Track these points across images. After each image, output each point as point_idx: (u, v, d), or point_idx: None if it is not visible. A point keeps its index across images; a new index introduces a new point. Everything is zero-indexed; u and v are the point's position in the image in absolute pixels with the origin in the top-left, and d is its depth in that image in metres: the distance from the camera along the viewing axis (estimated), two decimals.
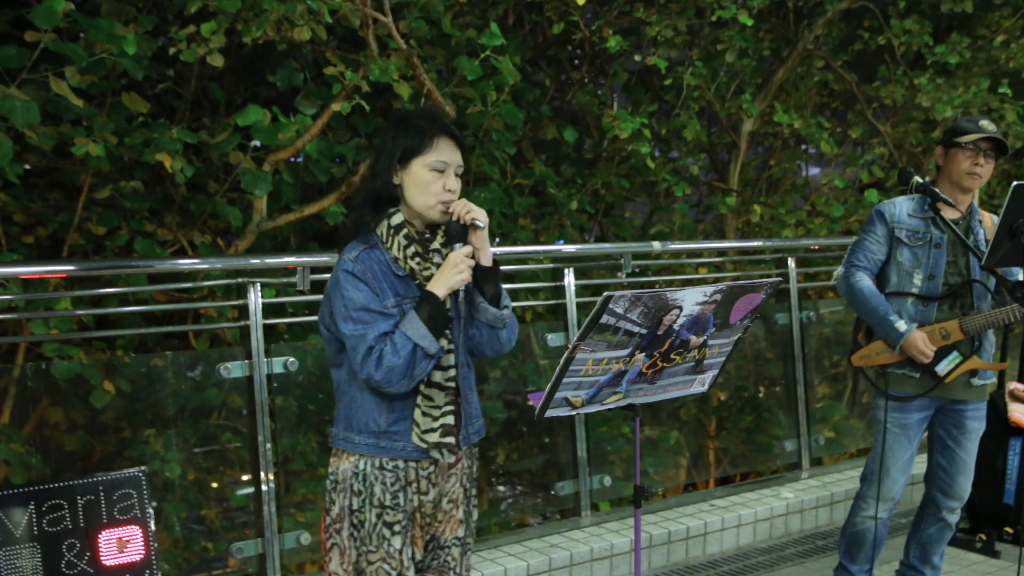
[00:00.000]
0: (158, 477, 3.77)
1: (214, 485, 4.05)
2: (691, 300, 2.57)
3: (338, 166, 4.97)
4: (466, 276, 2.36)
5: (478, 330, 2.49)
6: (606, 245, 5.48)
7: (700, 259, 6.48)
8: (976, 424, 3.71)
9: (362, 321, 2.31)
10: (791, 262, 5.50)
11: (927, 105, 6.32)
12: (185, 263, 4.03)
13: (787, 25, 6.69)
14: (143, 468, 3.29)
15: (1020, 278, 3.66)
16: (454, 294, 2.38)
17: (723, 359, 2.91)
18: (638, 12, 5.81)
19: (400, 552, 2.39)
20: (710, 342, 2.78)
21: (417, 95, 4.73)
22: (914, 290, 3.61)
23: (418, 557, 2.46)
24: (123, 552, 3.19)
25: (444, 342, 2.37)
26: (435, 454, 2.39)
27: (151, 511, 3.27)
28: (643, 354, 2.64)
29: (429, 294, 2.33)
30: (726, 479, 5.82)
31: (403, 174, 2.39)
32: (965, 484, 3.74)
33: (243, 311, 3.81)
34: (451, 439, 2.39)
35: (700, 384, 2.95)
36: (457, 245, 2.37)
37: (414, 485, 2.42)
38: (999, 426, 4.67)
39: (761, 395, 5.78)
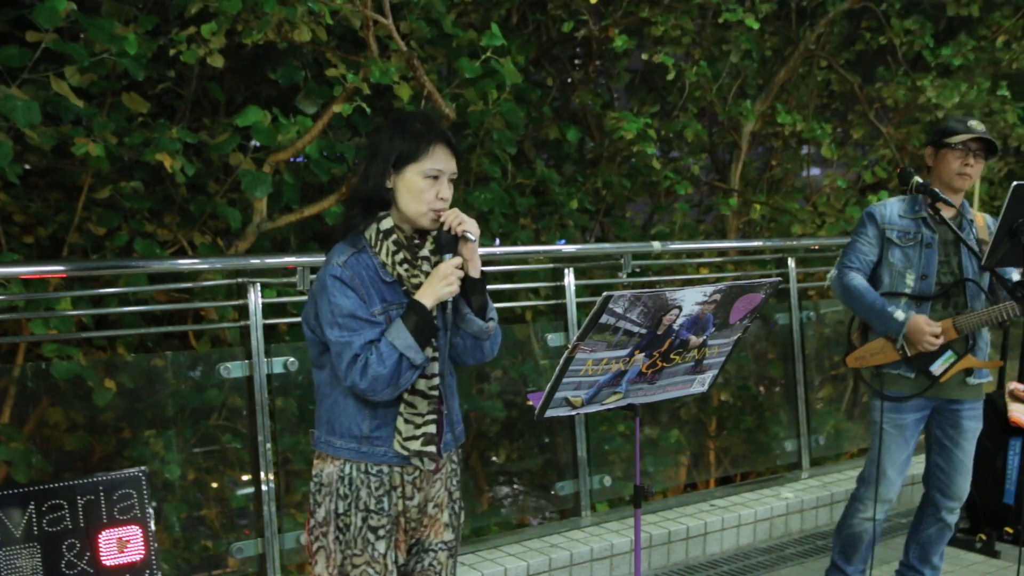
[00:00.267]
0: (158, 477, 3.77)
1: (214, 485, 4.05)
2: (691, 300, 2.57)
3: (338, 165, 4.97)
4: (454, 288, 2.35)
5: (461, 339, 2.49)
6: (606, 245, 5.48)
7: (700, 259, 6.49)
8: (973, 423, 3.71)
9: (348, 328, 2.30)
10: (791, 262, 5.50)
11: (931, 96, 6.30)
12: (185, 263, 4.03)
13: (789, 25, 6.69)
14: (143, 468, 3.29)
15: (1016, 278, 3.67)
16: (441, 304, 2.37)
17: (723, 359, 2.91)
18: (643, 12, 5.81)
19: (384, 556, 2.39)
20: (710, 342, 2.78)
21: (417, 96, 4.73)
22: (907, 290, 3.62)
23: (401, 561, 2.46)
24: (123, 552, 3.19)
25: (429, 351, 2.36)
26: (416, 462, 2.38)
27: (151, 511, 3.27)
28: (643, 354, 2.64)
29: (417, 304, 2.32)
30: (726, 479, 5.82)
31: (396, 179, 2.37)
32: (964, 484, 3.74)
33: (243, 311, 3.81)
34: (432, 448, 2.38)
35: (700, 384, 2.95)
36: (447, 256, 2.35)
37: (399, 490, 2.41)
38: (999, 426, 4.67)
39: (761, 395, 5.78)
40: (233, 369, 3.77)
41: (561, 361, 2.54)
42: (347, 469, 2.39)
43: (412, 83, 4.66)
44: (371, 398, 2.33)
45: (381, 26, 4.43)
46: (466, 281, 2.39)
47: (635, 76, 6.95)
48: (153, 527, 3.25)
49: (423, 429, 2.37)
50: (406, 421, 2.37)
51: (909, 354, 3.60)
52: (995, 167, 7.67)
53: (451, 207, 2.41)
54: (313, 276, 3.81)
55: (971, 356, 3.61)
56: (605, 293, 2.42)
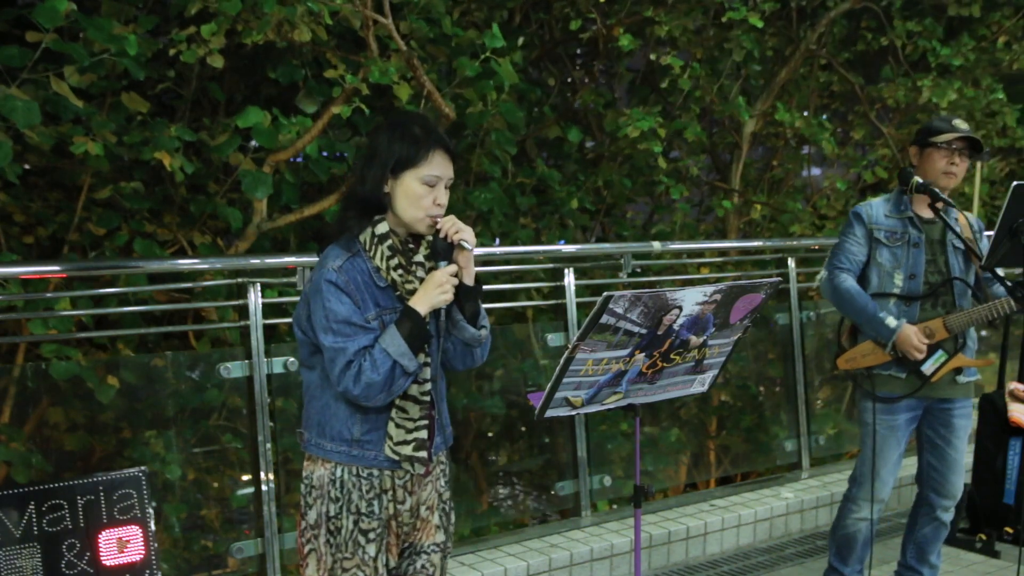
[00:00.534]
0: (158, 477, 3.77)
1: (214, 485, 4.05)
2: (691, 300, 2.57)
3: (338, 165, 4.97)
4: (449, 296, 2.34)
5: (452, 345, 2.49)
6: (606, 245, 5.48)
7: (701, 259, 6.49)
8: (964, 422, 3.72)
9: (342, 334, 2.29)
10: (791, 262, 5.50)
11: (927, 96, 6.30)
12: (185, 263, 4.03)
13: (790, 25, 6.69)
14: (143, 468, 3.29)
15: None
16: (435, 310, 2.36)
17: (723, 359, 2.91)
18: (647, 12, 5.80)
19: (375, 560, 2.39)
20: (710, 342, 2.78)
21: (417, 96, 4.73)
22: (895, 290, 3.62)
23: (392, 564, 2.46)
24: (123, 552, 3.19)
25: (421, 356, 2.36)
26: (406, 466, 2.39)
27: (151, 511, 3.27)
28: (643, 354, 2.64)
29: (411, 310, 2.31)
30: (726, 479, 5.82)
31: (394, 184, 2.36)
32: (958, 482, 3.75)
33: (243, 311, 3.81)
34: (423, 453, 2.38)
35: (700, 384, 2.95)
36: (442, 263, 2.34)
37: (390, 493, 2.41)
38: (999, 426, 4.67)
39: (761, 395, 5.78)
40: (233, 369, 3.77)
41: (561, 361, 2.54)
42: (338, 472, 2.39)
43: (412, 83, 4.66)
44: (364, 404, 2.33)
45: (381, 26, 4.43)
46: (460, 289, 2.39)
47: (636, 76, 6.95)
48: (153, 527, 3.25)
49: (415, 434, 2.37)
50: (397, 426, 2.37)
51: (899, 355, 3.61)
52: (996, 167, 7.68)
53: (449, 209, 2.41)
54: None
55: (961, 355, 3.63)
56: (605, 293, 2.42)
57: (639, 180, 6.36)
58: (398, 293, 2.37)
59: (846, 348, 3.74)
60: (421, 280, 2.37)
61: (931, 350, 3.59)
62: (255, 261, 3.93)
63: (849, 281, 3.65)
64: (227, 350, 4.02)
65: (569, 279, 4.66)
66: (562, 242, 5.89)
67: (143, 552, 3.22)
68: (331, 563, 2.39)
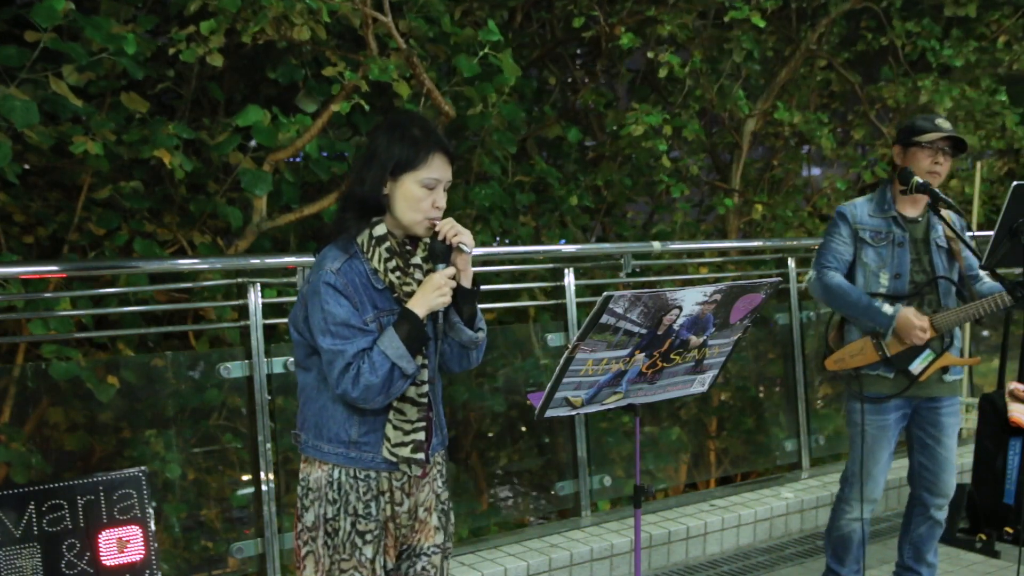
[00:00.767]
0: (158, 477, 3.77)
1: (214, 485, 4.05)
2: (691, 300, 2.57)
3: (339, 164, 4.97)
4: (447, 299, 2.34)
5: (449, 347, 2.48)
6: (606, 245, 5.48)
7: (701, 259, 6.49)
8: (952, 420, 3.74)
9: (341, 336, 2.29)
10: (791, 262, 5.50)
11: (926, 100, 6.31)
12: (185, 263, 4.03)
13: (790, 25, 6.69)
14: (143, 468, 3.29)
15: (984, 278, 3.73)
16: (432, 313, 2.36)
17: (723, 359, 2.91)
18: (649, 11, 5.81)
19: (372, 561, 2.38)
20: (710, 342, 2.78)
21: (417, 94, 4.73)
22: (881, 290, 3.63)
23: (390, 566, 2.45)
24: (123, 552, 3.19)
25: (419, 358, 2.36)
26: (404, 468, 2.39)
27: (151, 511, 3.27)
28: (643, 354, 2.64)
29: (409, 313, 2.31)
30: (726, 479, 5.82)
31: (393, 186, 2.36)
32: (950, 481, 3.76)
33: (243, 311, 3.81)
34: (421, 455, 2.38)
35: (700, 384, 2.95)
36: (440, 266, 2.34)
37: (387, 495, 2.41)
38: (999, 426, 4.67)
39: (761, 395, 5.78)
40: (233, 369, 3.76)
41: (561, 361, 2.54)
42: (336, 474, 2.38)
43: (412, 83, 4.66)
44: (362, 406, 2.32)
45: (380, 24, 4.42)
46: (458, 291, 2.38)
47: (636, 76, 6.95)
48: (153, 527, 3.25)
49: (412, 436, 2.37)
50: (395, 428, 2.37)
51: (890, 353, 3.61)
52: (996, 166, 7.68)
53: (449, 207, 2.40)
54: None
55: (949, 354, 3.65)
56: (605, 293, 2.41)
57: (640, 180, 6.36)
58: (396, 295, 2.36)
59: (833, 349, 3.75)
60: (419, 282, 2.37)
61: (919, 349, 3.60)
62: (255, 261, 3.92)
63: (838, 277, 3.66)
64: (227, 350, 4.02)
65: (569, 279, 4.66)
66: (562, 242, 5.89)
67: (143, 552, 3.22)
68: (329, 565, 2.39)
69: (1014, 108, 6.65)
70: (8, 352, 4.32)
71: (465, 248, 2.34)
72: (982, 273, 3.72)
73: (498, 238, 5.60)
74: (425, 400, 2.40)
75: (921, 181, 3.52)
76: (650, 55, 5.93)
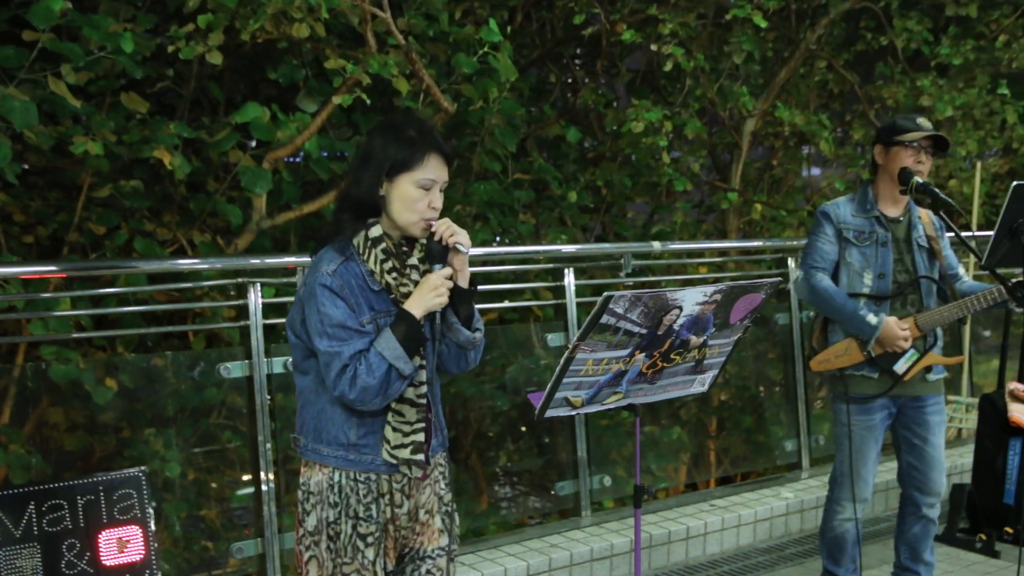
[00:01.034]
0: (158, 476, 3.77)
1: (214, 485, 4.05)
2: (691, 300, 2.57)
3: (339, 164, 4.96)
4: (444, 300, 2.33)
5: (446, 347, 2.48)
6: (606, 245, 5.48)
7: (701, 259, 6.49)
8: (937, 418, 3.75)
9: (338, 338, 2.28)
10: (791, 262, 5.50)
11: (928, 105, 6.33)
12: (185, 263, 4.03)
13: (789, 25, 6.69)
14: (143, 468, 3.29)
15: (965, 277, 3.77)
16: (429, 313, 2.35)
17: (723, 359, 2.91)
18: (651, 9, 5.81)
19: (373, 564, 2.38)
20: (710, 342, 2.78)
21: (416, 91, 4.72)
22: (865, 290, 3.64)
23: (390, 568, 2.45)
24: (123, 552, 3.19)
25: (417, 359, 2.35)
26: (404, 470, 2.38)
27: (151, 511, 3.27)
28: (643, 354, 2.64)
29: (406, 314, 2.30)
30: (726, 479, 5.82)
31: (389, 187, 2.36)
32: (939, 479, 3.77)
33: (243, 311, 3.81)
34: (421, 456, 2.38)
35: (700, 384, 2.95)
36: (437, 267, 2.34)
37: (387, 497, 2.40)
38: (999, 426, 4.67)
39: (761, 395, 5.78)
40: (233, 369, 3.76)
41: (561, 361, 2.54)
42: (336, 477, 2.38)
43: (412, 82, 4.66)
44: (360, 408, 2.32)
45: (379, 20, 4.41)
46: (455, 291, 2.38)
47: (636, 76, 6.95)
48: (153, 527, 3.25)
49: (412, 437, 2.37)
50: (394, 429, 2.36)
51: (874, 355, 3.62)
52: (995, 165, 7.68)
53: (448, 204, 2.40)
54: None
55: (932, 353, 3.66)
56: (605, 293, 2.42)
57: (640, 180, 6.36)
58: (393, 296, 2.36)
59: (818, 350, 3.76)
60: (416, 283, 2.36)
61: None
62: (255, 261, 3.92)
63: (826, 280, 3.66)
64: (227, 350, 4.02)
65: (569, 279, 4.66)
66: (562, 241, 5.89)
67: (143, 552, 3.22)
68: (332, 568, 2.38)
69: (1015, 102, 6.64)
70: (8, 352, 4.32)
71: (462, 248, 2.33)
72: (962, 272, 3.77)
73: (498, 238, 5.60)
74: (424, 401, 2.40)
75: (922, 181, 3.52)
76: (654, 47, 5.92)
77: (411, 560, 2.50)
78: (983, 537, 4.71)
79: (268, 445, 3.77)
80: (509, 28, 5.73)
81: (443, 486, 2.54)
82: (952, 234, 3.58)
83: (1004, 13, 6.80)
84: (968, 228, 5.69)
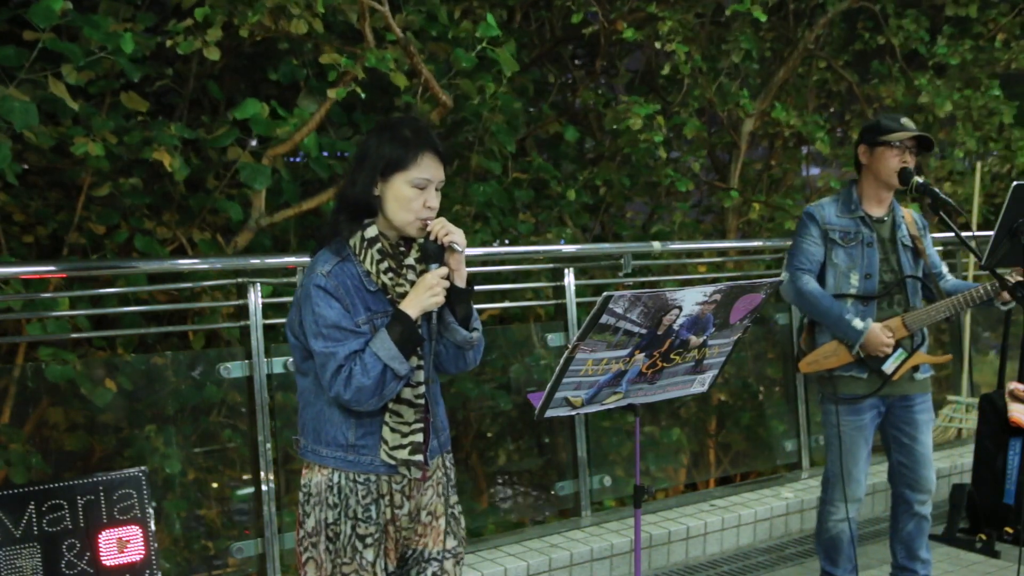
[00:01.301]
0: (158, 476, 3.77)
1: (214, 485, 4.05)
2: (691, 300, 2.57)
3: (339, 163, 4.96)
4: (440, 299, 2.32)
5: (444, 348, 2.47)
6: (606, 245, 5.48)
7: (700, 259, 6.49)
8: (925, 416, 3.77)
9: (332, 339, 2.28)
10: None
11: (926, 101, 6.32)
12: (185, 263, 4.03)
13: (788, 25, 6.69)
14: (143, 468, 3.29)
15: (947, 276, 3.79)
16: (426, 313, 2.35)
17: (723, 359, 2.91)
18: (651, 7, 5.81)
19: (373, 565, 2.38)
20: (710, 342, 2.78)
21: (415, 87, 4.72)
22: (852, 291, 3.65)
23: (391, 570, 2.45)
24: (123, 552, 3.19)
25: (414, 360, 2.35)
26: (403, 471, 2.38)
27: (151, 511, 3.27)
28: (643, 354, 2.64)
29: (402, 314, 2.30)
30: (726, 479, 5.82)
31: (384, 187, 2.35)
32: (929, 476, 3.78)
33: (243, 311, 3.81)
34: (419, 456, 2.37)
35: (700, 384, 2.95)
36: (433, 266, 2.33)
37: (387, 498, 2.40)
38: (999, 426, 4.67)
39: (761, 395, 5.78)
40: (233, 369, 3.76)
41: (561, 361, 2.54)
42: (335, 478, 2.38)
43: (413, 81, 4.65)
44: (356, 408, 2.32)
45: (378, 16, 4.40)
46: (451, 291, 2.37)
47: (635, 76, 6.95)
48: (153, 527, 3.25)
49: (410, 438, 2.36)
50: (392, 430, 2.36)
51: (862, 355, 3.63)
52: (995, 165, 7.68)
53: (447, 204, 2.40)
54: None
55: (920, 352, 3.68)
56: (605, 293, 2.42)
57: (639, 180, 6.36)
58: (389, 297, 2.36)
59: (806, 351, 3.77)
60: (412, 283, 2.35)
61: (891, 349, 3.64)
62: (255, 261, 3.93)
63: (812, 283, 3.67)
64: (227, 350, 4.02)
65: (569, 279, 4.66)
66: (562, 242, 5.89)
67: (143, 552, 3.22)
68: (331, 569, 2.38)
69: (1010, 104, 6.64)
70: (8, 352, 4.32)
71: (457, 247, 2.33)
72: (945, 271, 3.79)
73: (498, 239, 5.60)
74: (422, 402, 2.39)
75: (922, 181, 3.53)
76: (657, 44, 5.92)
77: (415, 562, 2.50)
78: (983, 537, 4.71)
79: (268, 445, 3.77)
80: (510, 33, 5.73)
81: (448, 488, 2.54)
82: (952, 234, 3.58)
83: (1001, 12, 6.80)
84: (968, 228, 5.70)
